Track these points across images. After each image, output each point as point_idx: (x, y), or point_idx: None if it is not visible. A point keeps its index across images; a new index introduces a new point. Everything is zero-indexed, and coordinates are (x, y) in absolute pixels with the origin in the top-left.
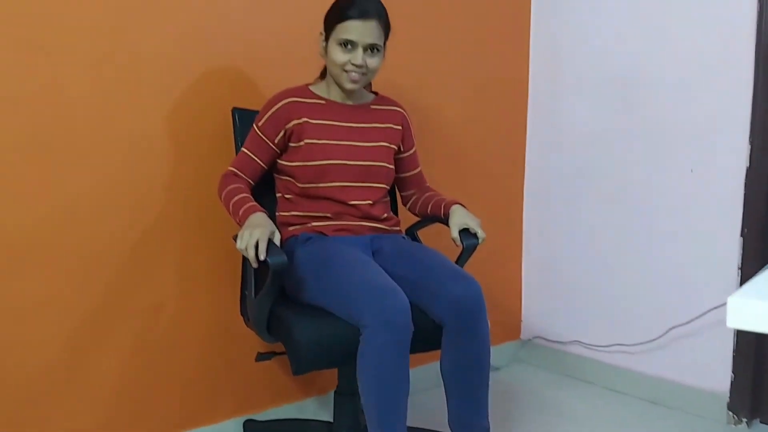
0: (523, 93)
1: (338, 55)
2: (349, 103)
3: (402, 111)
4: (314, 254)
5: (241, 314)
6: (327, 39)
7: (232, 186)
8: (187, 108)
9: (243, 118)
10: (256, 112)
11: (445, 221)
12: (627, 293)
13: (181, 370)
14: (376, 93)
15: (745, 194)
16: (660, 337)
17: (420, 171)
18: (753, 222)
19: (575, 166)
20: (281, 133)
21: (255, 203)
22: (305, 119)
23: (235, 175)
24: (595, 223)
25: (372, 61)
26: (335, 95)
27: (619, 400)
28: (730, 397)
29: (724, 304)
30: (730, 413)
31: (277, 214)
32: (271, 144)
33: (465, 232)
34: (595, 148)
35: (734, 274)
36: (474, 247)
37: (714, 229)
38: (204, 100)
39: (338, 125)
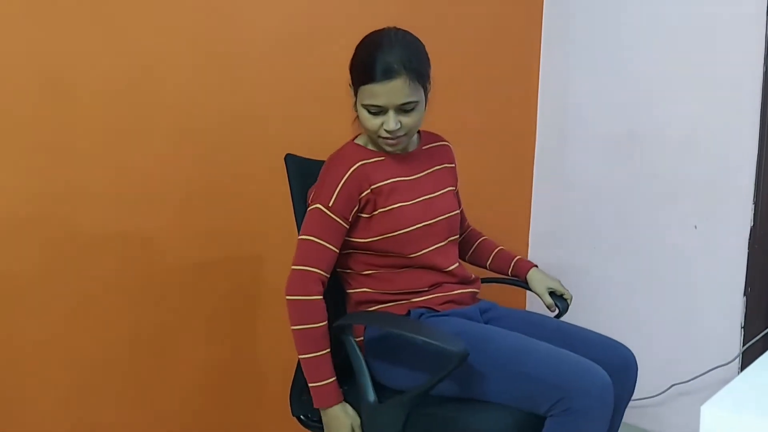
0: (530, 146)
1: (368, 122)
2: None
3: (449, 144)
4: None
5: (293, 405)
6: (355, 95)
7: (319, 324)
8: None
9: (296, 166)
10: (310, 161)
11: (520, 282)
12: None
13: (173, 402)
14: (419, 131)
15: (748, 253)
16: (661, 393)
17: (463, 209)
18: (756, 281)
19: (579, 219)
20: (355, 208)
21: (334, 377)
22: (378, 183)
23: (321, 281)
24: (598, 276)
25: (409, 120)
26: None
27: None
28: None
29: (727, 363)
30: None
31: (350, 291)
32: (345, 224)
33: (554, 296)
34: (599, 201)
35: (737, 332)
36: (567, 309)
37: (717, 287)
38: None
39: (408, 180)
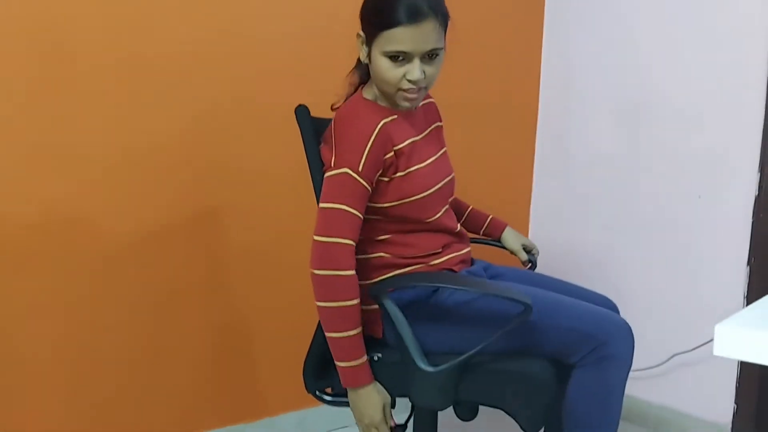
0: (533, 117)
1: (388, 72)
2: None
3: (434, 101)
4: (482, 298)
5: (307, 380)
6: (369, 44)
7: (353, 302)
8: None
9: (308, 120)
10: (324, 120)
11: (492, 241)
12: (630, 318)
13: (179, 374)
14: None
15: (753, 222)
16: (662, 364)
17: None
18: (760, 251)
19: (582, 189)
20: (379, 172)
21: (366, 355)
22: (399, 145)
23: (352, 253)
24: (600, 247)
25: (432, 70)
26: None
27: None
28: (733, 429)
29: None
30: None
31: (364, 257)
32: (370, 189)
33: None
34: (602, 171)
35: (740, 303)
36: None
37: (720, 257)
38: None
39: (418, 141)
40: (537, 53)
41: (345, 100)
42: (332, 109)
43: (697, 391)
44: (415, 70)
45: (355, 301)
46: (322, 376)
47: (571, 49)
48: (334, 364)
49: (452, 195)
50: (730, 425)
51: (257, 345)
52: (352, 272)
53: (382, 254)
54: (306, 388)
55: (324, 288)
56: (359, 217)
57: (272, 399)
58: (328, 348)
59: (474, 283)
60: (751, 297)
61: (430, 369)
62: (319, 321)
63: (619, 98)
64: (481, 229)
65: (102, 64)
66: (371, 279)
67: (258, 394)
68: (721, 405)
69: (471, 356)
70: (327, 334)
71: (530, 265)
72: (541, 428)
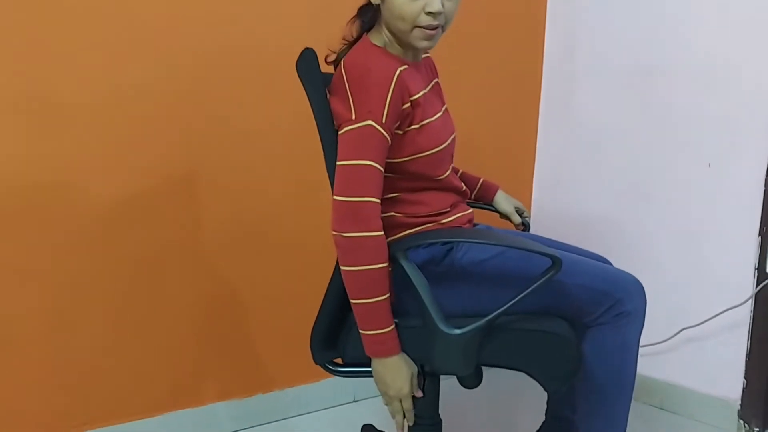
0: (536, 83)
1: (405, 6)
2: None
3: (430, 56)
4: (499, 256)
5: (315, 351)
6: None
7: (382, 265)
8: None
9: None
10: (326, 75)
11: (483, 204)
12: None
13: (165, 347)
14: None
15: (765, 190)
16: (670, 338)
17: None
18: None
19: (588, 159)
20: (398, 123)
21: (394, 325)
22: (415, 95)
23: (379, 212)
24: (606, 218)
25: (451, 4)
26: (407, 51)
27: None
28: (742, 405)
29: (739, 305)
30: (742, 422)
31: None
32: (390, 140)
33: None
34: (608, 140)
35: (750, 274)
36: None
37: (731, 227)
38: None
39: (427, 93)
40: (541, 13)
41: (347, 48)
42: (327, 62)
43: (706, 367)
44: (434, 1)
45: (385, 264)
46: (330, 347)
47: (577, 9)
48: (344, 333)
49: (453, 153)
50: (739, 402)
51: (250, 316)
52: (382, 233)
53: (392, 213)
54: (314, 360)
55: (353, 251)
56: (382, 172)
57: (267, 374)
58: (337, 316)
59: (502, 238)
60: (762, 268)
61: (455, 332)
62: (329, 286)
63: (627, 61)
64: (473, 192)
65: (84, 7)
66: None
67: (251, 369)
68: (730, 381)
69: (497, 317)
70: (353, 301)
71: (523, 228)
72: (564, 388)
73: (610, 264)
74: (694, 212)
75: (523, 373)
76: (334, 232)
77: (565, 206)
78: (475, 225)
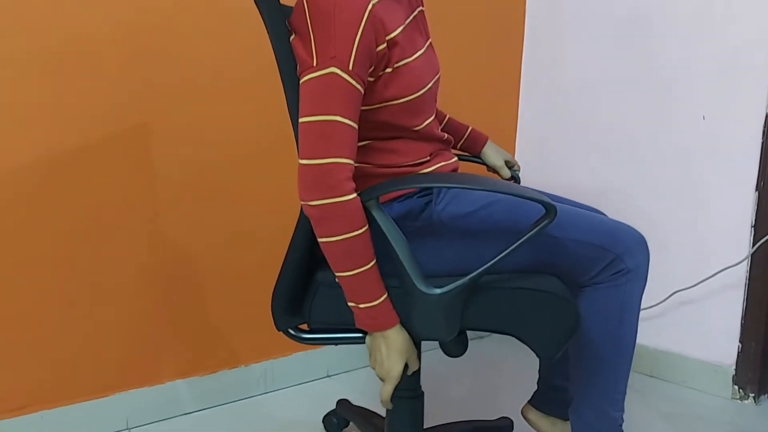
0: (519, 34)
1: None
2: None
3: None
4: (484, 209)
5: (277, 316)
6: None
7: (362, 230)
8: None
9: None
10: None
11: (470, 157)
12: None
13: (115, 320)
14: None
15: (762, 144)
16: (661, 302)
17: None
18: None
19: (573, 114)
20: (371, 68)
21: (387, 294)
22: (392, 34)
23: (352, 173)
24: (595, 177)
25: None
26: None
27: None
28: (737, 370)
29: (734, 265)
30: (736, 387)
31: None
32: (363, 89)
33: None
34: (595, 94)
35: (747, 232)
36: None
37: (726, 183)
38: None
39: (407, 28)
40: None
41: None
42: None
43: (699, 331)
44: None
45: (364, 229)
46: (294, 311)
47: None
48: (308, 296)
49: (437, 96)
50: (733, 367)
51: (211, 285)
52: (355, 195)
53: (359, 164)
54: (275, 326)
55: (326, 222)
56: (355, 128)
57: (231, 348)
58: (301, 276)
59: (488, 183)
60: (759, 225)
61: (435, 292)
62: (291, 243)
63: (615, 11)
64: (460, 142)
65: None
66: None
67: (213, 343)
68: (725, 345)
69: (481, 274)
70: (337, 275)
71: (513, 182)
72: (559, 353)
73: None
74: (687, 168)
75: (513, 338)
76: (302, 202)
77: (550, 166)
78: None
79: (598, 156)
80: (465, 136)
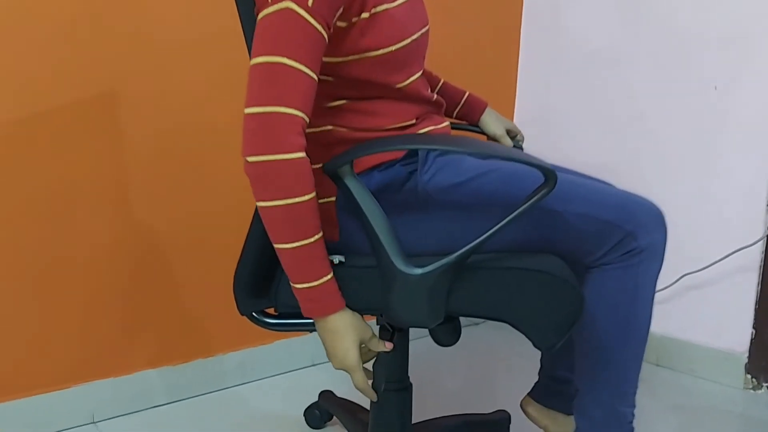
0: (517, 3)
1: None
2: None
3: None
4: (476, 180)
5: (239, 298)
6: None
7: (308, 196)
8: None
9: None
10: None
11: (468, 126)
12: None
13: (78, 305)
14: None
15: None
16: (670, 286)
17: None
18: None
19: (575, 86)
20: (339, 11)
21: (331, 277)
22: None
23: (303, 128)
24: (598, 153)
25: None
26: None
27: None
28: (749, 358)
29: (749, 245)
30: (749, 376)
31: (315, 131)
32: (327, 36)
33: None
34: (599, 64)
35: (761, 211)
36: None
37: (740, 158)
38: None
39: None
40: None
41: None
42: None
43: (709, 317)
44: None
45: (311, 195)
46: (259, 293)
47: None
48: (277, 275)
49: (425, 54)
50: (746, 354)
51: (184, 267)
52: (302, 154)
53: (331, 127)
54: (238, 309)
55: (264, 181)
56: (312, 77)
57: (206, 335)
58: (267, 254)
59: (481, 145)
60: None
61: (416, 271)
62: (255, 217)
63: None
64: (456, 108)
65: None
66: (318, 162)
67: (187, 330)
68: (737, 331)
69: (469, 252)
70: (276, 246)
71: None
72: (559, 343)
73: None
74: (697, 142)
75: (510, 326)
76: (243, 157)
77: (551, 142)
78: None
79: (601, 130)
80: (461, 102)
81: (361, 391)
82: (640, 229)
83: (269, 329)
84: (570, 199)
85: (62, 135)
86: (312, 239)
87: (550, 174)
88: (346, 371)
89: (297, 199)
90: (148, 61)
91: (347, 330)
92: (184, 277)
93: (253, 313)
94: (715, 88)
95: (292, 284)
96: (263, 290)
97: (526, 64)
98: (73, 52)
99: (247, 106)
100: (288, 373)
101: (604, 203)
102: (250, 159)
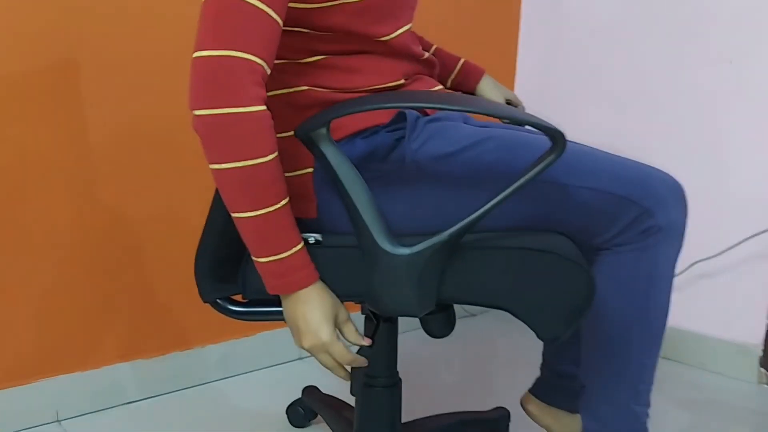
0: None
1: None
2: None
3: None
4: (472, 148)
5: (202, 283)
6: None
7: (269, 157)
8: None
9: None
10: None
11: (465, 91)
12: None
13: (38, 293)
14: None
15: None
16: (680, 274)
17: None
18: None
19: (579, 60)
20: None
21: (302, 243)
22: None
23: (262, 77)
24: (603, 131)
25: None
26: None
27: None
28: (764, 351)
29: (764, 231)
30: (763, 370)
31: (280, 92)
32: None
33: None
34: (604, 36)
35: None
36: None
37: (755, 137)
38: None
39: None
40: None
41: None
42: None
43: (721, 307)
44: None
45: (273, 156)
46: (224, 277)
47: None
48: (245, 259)
49: (415, 5)
50: (761, 347)
51: (157, 251)
52: (263, 108)
53: (306, 87)
54: (201, 296)
55: (217, 139)
56: (275, 20)
57: (182, 327)
58: (232, 232)
59: (480, 103)
60: None
61: (403, 252)
62: (217, 192)
63: None
64: (450, 76)
65: None
66: (292, 129)
67: (162, 321)
68: (750, 323)
69: (463, 230)
70: (234, 215)
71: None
72: (566, 335)
73: None
74: (710, 120)
75: (509, 314)
76: (192, 113)
77: (553, 120)
78: None
79: (607, 108)
80: (457, 69)
81: (348, 365)
82: (659, 206)
83: (236, 318)
84: (579, 172)
85: (17, 105)
86: (277, 206)
87: (558, 136)
88: (320, 351)
89: (257, 160)
90: (113, 27)
91: (322, 301)
92: (158, 263)
93: (218, 300)
94: (731, 62)
95: (254, 258)
96: (229, 274)
97: (527, 38)
98: (30, 15)
99: (197, 49)
100: (274, 367)
101: (618, 176)
102: (199, 113)
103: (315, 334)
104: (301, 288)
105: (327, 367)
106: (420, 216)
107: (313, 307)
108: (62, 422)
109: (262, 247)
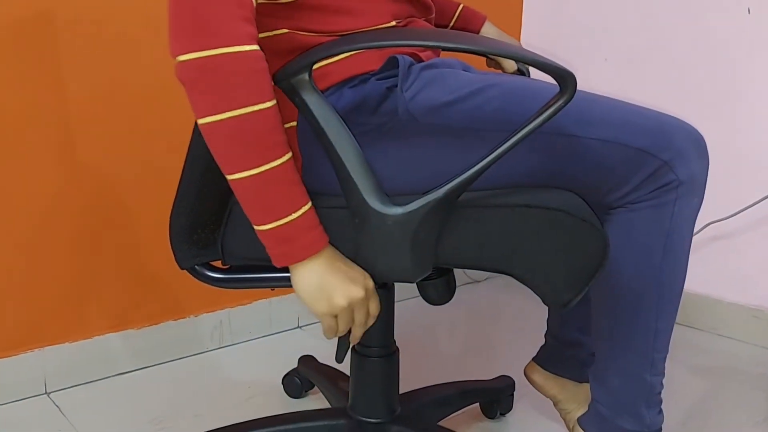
0: None
1: None
2: None
3: None
4: (471, 97)
5: (177, 248)
6: None
7: (267, 104)
8: None
9: None
10: None
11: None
12: None
13: (24, 260)
14: None
15: None
16: (693, 235)
17: None
18: None
19: (587, 13)
20: None
21: (311, 202)
22: None
23: (249, 17)
24: (612, 87)
25: None
26: None
27: None
28: None
29: None
30: None
31: (267, 35)
32: None
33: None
34: None
35: None
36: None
37: None
38: None
39: None
40: None
41: None
42: None
43: (736, 271)
44: None
45: (271, 102)
46: (203, 242)
47: None
48: (225, 221)
49: None
50: None
51: (148, 215)
52: (255, 47)
53: (287, 30)
54: (177, 261)
55: (204, 86)
56: None
57: (176, 295)
58: (212, 192)
59: (481, 41)
60: None
61: (395, 211)
62: (191, 145)
63: None
64: (448, 23)
65: None
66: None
67: (154, 288)
68: (766, 286)
69: (461, 186)
70: (231, 178)
71: (520, 75)
72: (575, 300)
73: None
74: (726, 74)
75: (512, 278)
76: (174, 59)
77: None
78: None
79: (617, 62)
80: (455, 16)
81: (356, 328)
82: (679, 159)
83: (214, 285)
84: (590, 121)
85: None
86: (280, 160)
87: (568, 78)
88: (361, 305)
89: (254, 107)
90: None
91: (342, 256)
92: (148, 227)
93: (195, 267)
94: (749, 11)
95: (255, 227)
96: (208, 238)
97: None
98: None
99: None
100: (271, 336)
101: (634, 126)
102: (183, 57)
103: (348, 296)
104: (317, 252)
105: (353, 326)
106: (414, 173)
107: (336, 268)
108: (51, 394)
109: (266, 211)
